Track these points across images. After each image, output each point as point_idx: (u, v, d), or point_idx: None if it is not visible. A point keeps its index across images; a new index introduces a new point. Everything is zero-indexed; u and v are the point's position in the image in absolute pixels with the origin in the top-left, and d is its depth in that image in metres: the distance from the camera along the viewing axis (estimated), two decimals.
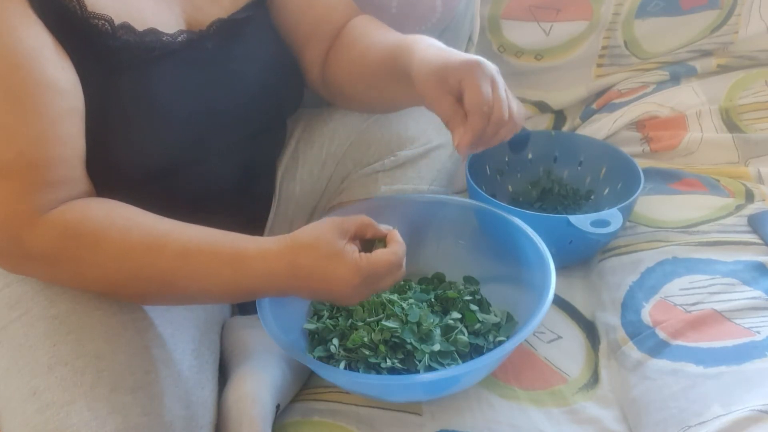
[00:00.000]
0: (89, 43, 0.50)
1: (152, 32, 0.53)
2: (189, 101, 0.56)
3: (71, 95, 0.49)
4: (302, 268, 0.48)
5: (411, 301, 0.60)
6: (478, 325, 0.60)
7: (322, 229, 0.49)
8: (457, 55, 0.52)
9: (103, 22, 0.50)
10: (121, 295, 0.51)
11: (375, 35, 0.63)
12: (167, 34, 0.55)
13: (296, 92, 0.68)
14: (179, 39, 0.55)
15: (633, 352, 0.63)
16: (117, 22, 0.51)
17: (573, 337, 0.69)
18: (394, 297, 0.61)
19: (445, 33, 0.85)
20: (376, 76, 0.62)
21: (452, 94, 0.51)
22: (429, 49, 0.54)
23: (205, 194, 0.60)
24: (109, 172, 0.51)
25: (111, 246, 0.47)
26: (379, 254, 0.49)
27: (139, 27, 0.52)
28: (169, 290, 0.49)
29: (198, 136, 0.58)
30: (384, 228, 0.52)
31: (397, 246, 0.50)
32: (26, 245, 0.46)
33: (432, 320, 0.58)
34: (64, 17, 0.48)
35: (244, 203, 0.67)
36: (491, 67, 0.51)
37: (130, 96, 0.52)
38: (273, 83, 0.63)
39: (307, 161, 0.74)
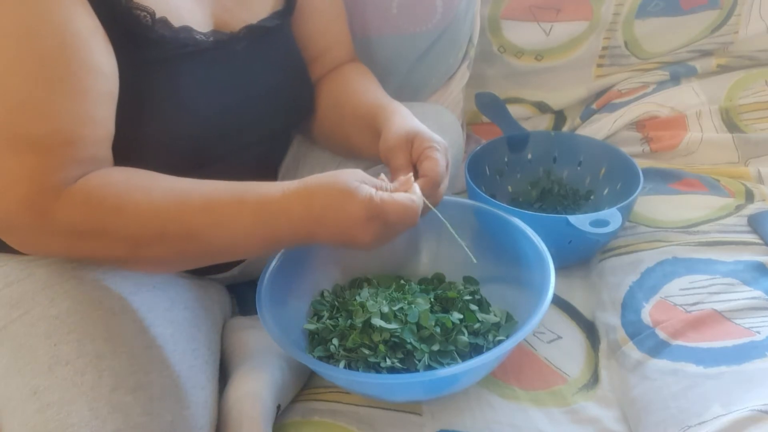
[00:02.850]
0: (128, 33, 0.50)
1: (187, 29, 0.54)
2: (212, 100, 0.57)
3: (111, 80, 0.49)
4: (316, 205, 0.48)
5: (410, 299, 0.60)
6: (477, 325, 0.60)
7: (342, 172, 0.50)
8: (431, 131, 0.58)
9: (144, 13, 0.51)
10: (144, 260, 0.50)
11: (364, 87, 0.69)
12: (200, 33, 0.56)
13: (310, 101, 0.70)
14: (211, 39, 0.57)
15: (633, 352, 0.63)
16: (156, 15, 0.52)
17: (573, 337, 0.69)
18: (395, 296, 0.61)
19: (445, 34, 0.85)
20: (347, 120, 0.66)
21: (409, 155, 0.56)
22: (409, 116, 0.60)
23: None
24: (128, 160, 0.52)
25: (134, 206, 0.47)
26: (394, 195, 0.49)
27: (175, 23, 0.53)
28: (193, 245, 0.49)
29: (216, 135, 0.58)
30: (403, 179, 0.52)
31: (416, 195, 0.51)
32: (51, 219, 0.46)
33: (432, 320, 0.58)
34: (108, 4, 0.49)
35: None
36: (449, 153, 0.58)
37: (157, 89, 0.53)
38: (292, 90, 0.66)
39: (307, 162, 0.74)
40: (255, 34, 0.61)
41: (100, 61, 0.48)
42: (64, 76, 0.46)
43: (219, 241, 0.49)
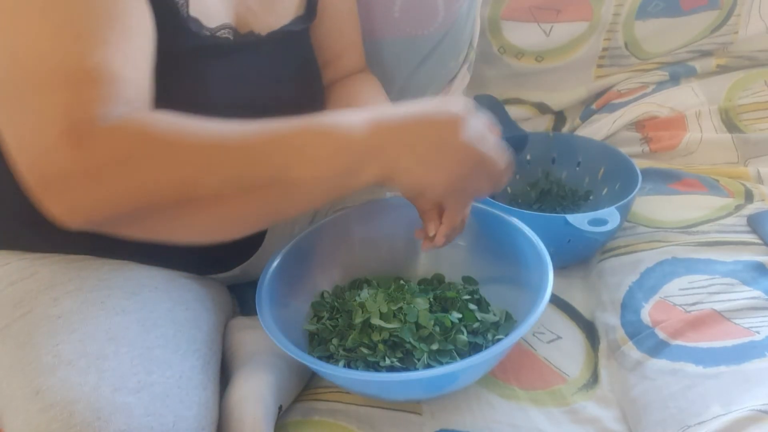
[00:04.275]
0: (164, 20, 0.50)
1: (210, 27, 0.54)
2: (228, 100, 0.57)
3: (152, 44, 0.47)
4: (399, 110, 0.44)
5: (410, 297, 0.61)
6: (476, 324, 0.60)
7: None
8: None
9: (182, 1, 0.51)
10: (195, 200, 0.42)
11: (375, 104, 0.68)
12: (225, 30, 0.56)
13: (320, 107, 0.70)
14: (236, 39, 0.57)
15: (633, 352, 0.63)
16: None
17: (573, 337, 0.69)
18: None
19: (446, 37, 0.85)
20: None
21: None
22: None
23: None
24: None
25: (194, 130, 0.42)
26: None
27: (204, 22, 0.53)
28: (255, 178, 0.42)
29: None
30: None
31: None
32: (95, 155, 0.40)
33: (431, 320, 0.58)
34: None
35: None
36: None
37: (180, 86, 0.53)
38: (306, 94, 0.66)
39: None
40: (278, 37, 0.61)
41: (148, 22, 0.47)
42: (116, 15, 0.44)
43: (284, 163, 0.42)
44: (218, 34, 0.55)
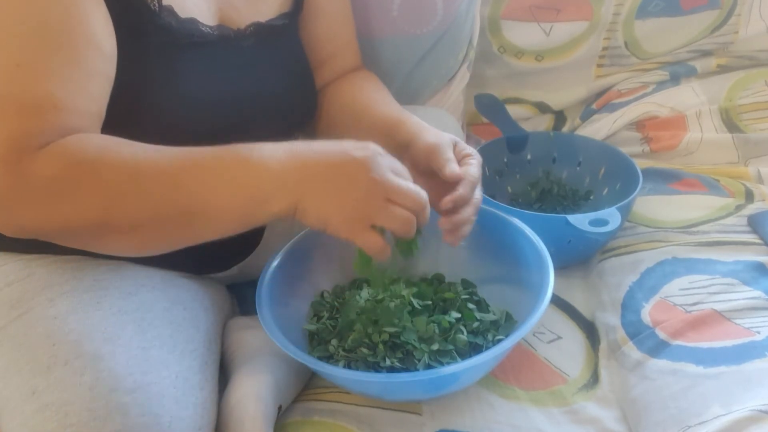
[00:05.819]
0: (134, 18, 0.51)
1: (192, 21, 0.55)
2: (213, 95, 0.57)
3: (109, 61, 0.50)
4: (318, 144, 0.48)
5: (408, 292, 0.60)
6: (476, 324, 0.60)
7: None
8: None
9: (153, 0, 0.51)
10: (117, 226, 0.46)
11: (379, 97, 0.69)
12: (206, 26, 0.56)
13: (312, 105, 0.70)
14: (216, 33, 0.57)
15: (633, 352, 0.63)
16: (163, 3, 0.52)
17: (573, 338, 0.69)
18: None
19: (445, 36, 0.85)
20: (364, 131, 0.66)
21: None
22: (432, 129, 0.61)
23: None
24: None
25: (113, 155, 0.46)
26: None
27: (181, 14, 0.54)
28: (170, 206, 0.46)
29: (213, 131, 0.58)
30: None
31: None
32: (28, 177, 0.44)
33: (430, 320, 0.58)
34: None
35: None
36: None
37: (158, 78, 0.53)
38: (295, 92, 0.66)
39: None
40: (262, 32, 0.61)
41: (101, 40, 0.48)
42: (64, 44, 0.46)
43: (199, 201, 0.46)
44: (199, 27, 0.55)
